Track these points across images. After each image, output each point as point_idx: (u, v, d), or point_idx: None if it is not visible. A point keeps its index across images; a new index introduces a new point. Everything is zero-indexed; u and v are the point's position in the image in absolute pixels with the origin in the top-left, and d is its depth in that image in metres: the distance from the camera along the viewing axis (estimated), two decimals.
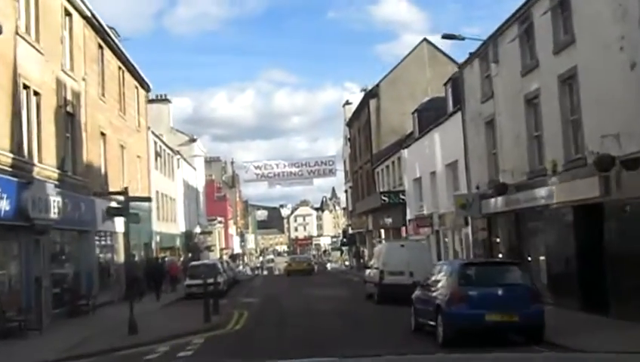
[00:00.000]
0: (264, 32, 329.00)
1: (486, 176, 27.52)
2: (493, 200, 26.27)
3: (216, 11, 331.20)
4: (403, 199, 42.69)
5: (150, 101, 63.69)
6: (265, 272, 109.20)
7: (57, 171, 23.74)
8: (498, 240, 27.50)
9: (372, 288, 28.55)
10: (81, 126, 27.64)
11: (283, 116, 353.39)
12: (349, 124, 65.38)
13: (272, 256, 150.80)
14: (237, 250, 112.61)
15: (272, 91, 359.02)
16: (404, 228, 43.49)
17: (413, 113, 41.23)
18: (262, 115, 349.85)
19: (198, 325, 20.60)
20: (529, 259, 23.42)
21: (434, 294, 16.27)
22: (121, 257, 33.92)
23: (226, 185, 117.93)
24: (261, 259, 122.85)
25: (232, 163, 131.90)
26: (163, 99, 64.81)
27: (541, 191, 21.60)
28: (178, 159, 54.42)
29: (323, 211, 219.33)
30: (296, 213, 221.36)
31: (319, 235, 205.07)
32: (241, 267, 64.76)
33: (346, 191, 72.03)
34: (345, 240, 69.20)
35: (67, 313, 24.30)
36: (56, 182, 23.31)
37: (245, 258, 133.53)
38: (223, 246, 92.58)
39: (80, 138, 27.42)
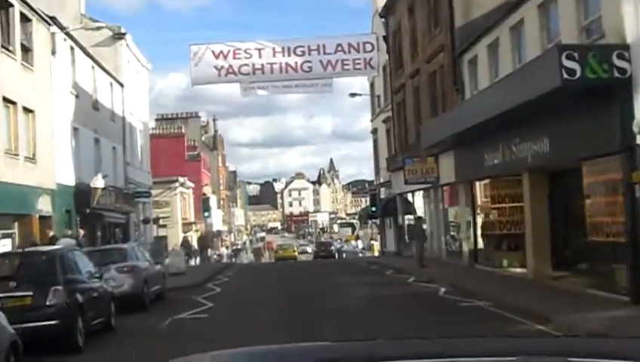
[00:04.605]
0: (258, 6, 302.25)
1: None
2: None
3: None
4: None
5: None
6: (249, 256, 79.84)
7: None
8: None
9: None
10: None
11: None
12: (388, 7, 35.97)
13: (262, 234, 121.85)
14: (217, 226, 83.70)
15: None
16: None
17: None
18: None
19: None
20: None
21: None
22: None
23: (206, 147, 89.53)
24: (245, 238, 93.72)
25: (215, 120, 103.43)
26: None
27: None
28: (54, 34, 25.05)
29: (320, 185, 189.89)
30: (291, 186, 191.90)
31: (316, 211, 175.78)
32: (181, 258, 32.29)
33: (373, 132, 42.75)
34: (374, 208, 39.86)
35: None
36: None
37: (232, 236, 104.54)
38: (193, 219, 63.14)
39: None
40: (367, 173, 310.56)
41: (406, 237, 33.15)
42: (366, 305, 16.50)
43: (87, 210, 26.59)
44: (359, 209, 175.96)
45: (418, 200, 33.44)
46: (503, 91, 18.03)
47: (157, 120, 77.82)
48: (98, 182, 26.47)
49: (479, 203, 24.00)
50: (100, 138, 31.11)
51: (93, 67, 30.72)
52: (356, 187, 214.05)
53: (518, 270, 21.49)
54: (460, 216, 25.65)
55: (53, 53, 24.93)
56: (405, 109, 33.62)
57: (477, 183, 23.80)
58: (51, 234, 22.39)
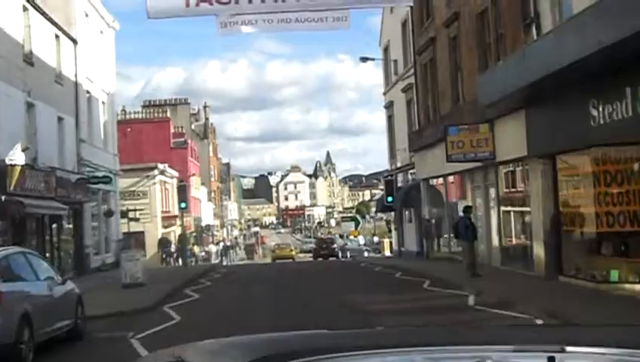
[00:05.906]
0: None
1: None
2: None
3: None
4: None
5: None
6: (241, 254, 71.92)
7: None
8: None
9: None
10: None
11: (275, 87, 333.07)
12: None
13: (256, 229, 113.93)
14: (208, 220, 75.88)
15: (264, 62, 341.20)
16: None
17: None
18: (254, 86, 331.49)
19: None
20: None
21: None
22: None
23: (196, 135, 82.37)
24: (237, 233, 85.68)
25: (206, 107, 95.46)
26: None
27: None
28: None
29: (317, 178, 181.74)
30: (286, 180, 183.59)
31: (312, 205, 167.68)
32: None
33: (387, 107, 34.83)
34: (390, 199, 31.89)
35: None
36: None
37: (225, 231, 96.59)
38: (176, 213, 54.94)
39: None
40: (363, 168, 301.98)
41: (448, 234, 25.04)
42: None
43: (3, 197, 18.61)
44: (356, 203, 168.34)
45: (452, 188, 25.62)
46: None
47: (144, 106, 71.60)
48: (16, 157, 18.46)
49: (565, 186, 16.11)
50: (37, 103, 23.07)
51: (25, 8, 22.68)
52: (352, 181, 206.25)
53: (637, 287, 13.74)
54: (530, 205, 17.74)
55: None
56: (436, 70, 25.71)
57: (564, 157, 15.89)
58: None
